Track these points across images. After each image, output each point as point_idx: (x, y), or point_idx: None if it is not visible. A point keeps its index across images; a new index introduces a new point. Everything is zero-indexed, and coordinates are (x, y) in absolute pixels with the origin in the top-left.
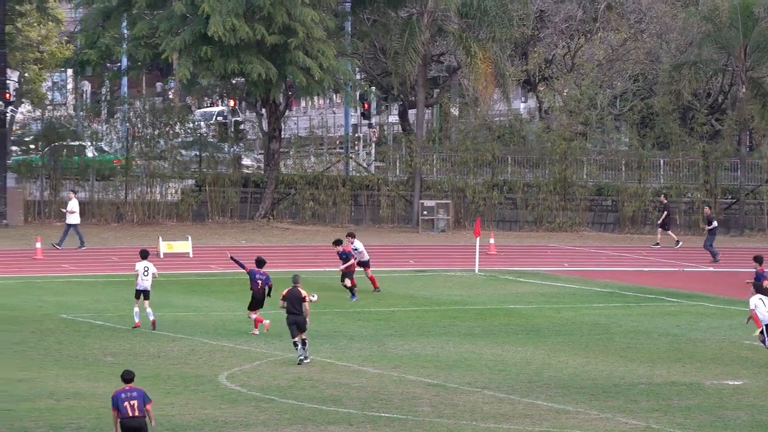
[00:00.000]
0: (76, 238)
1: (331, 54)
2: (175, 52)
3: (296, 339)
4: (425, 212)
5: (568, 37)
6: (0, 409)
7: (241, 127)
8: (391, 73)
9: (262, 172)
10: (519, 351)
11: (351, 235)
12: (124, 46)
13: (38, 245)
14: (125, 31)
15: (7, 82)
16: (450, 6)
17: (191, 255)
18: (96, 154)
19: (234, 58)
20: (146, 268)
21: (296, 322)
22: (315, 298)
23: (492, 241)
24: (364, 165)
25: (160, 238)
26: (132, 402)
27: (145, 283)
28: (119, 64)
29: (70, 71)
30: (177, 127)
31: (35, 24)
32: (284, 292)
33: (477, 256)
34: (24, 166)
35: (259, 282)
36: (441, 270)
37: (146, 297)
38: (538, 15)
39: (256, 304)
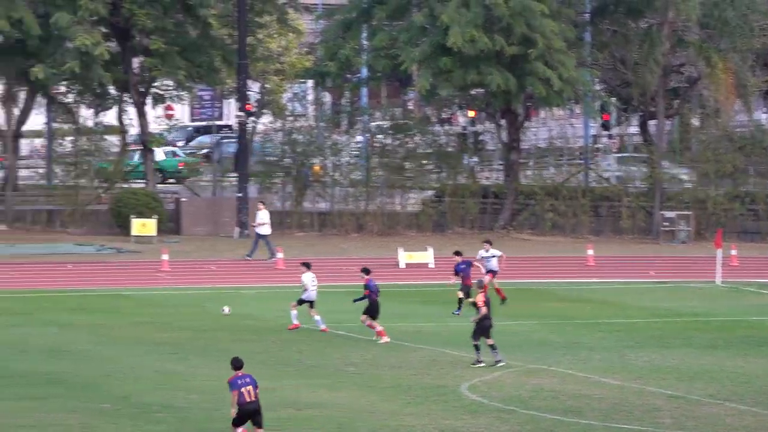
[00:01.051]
0: (266, 249)
1: (570, 64)
2: (414, 62)
3: (491, 342)
4: (666, 223)
5: None
6: None
7: (481, 137)
8: (630, 83)
9: (502, 183)
10: (762, 363)
11: (488, 242)
12: (364, 57)
13: (279, 255)
14: (365, 42)
15: (249, 93)
16: (690, 16)
17: (432, 265)
18: (165, 156)
19: (473, 69)
20: (314, 279)
21: (492, 326)
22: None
23: (734, 252)
24: (605, 176)
25: (401, 249)
26: (247, 387)
27: (313, 293)
28: (359, 75)
29: (310, 82)
30: (417, 138)
31: (276, 35)
32: (483, 299)
33: (719, 267)
34: (265, 177)
35: (373, 289)
36: (682, 281)
37: (312, 306)
38: None
39: (375, 311)
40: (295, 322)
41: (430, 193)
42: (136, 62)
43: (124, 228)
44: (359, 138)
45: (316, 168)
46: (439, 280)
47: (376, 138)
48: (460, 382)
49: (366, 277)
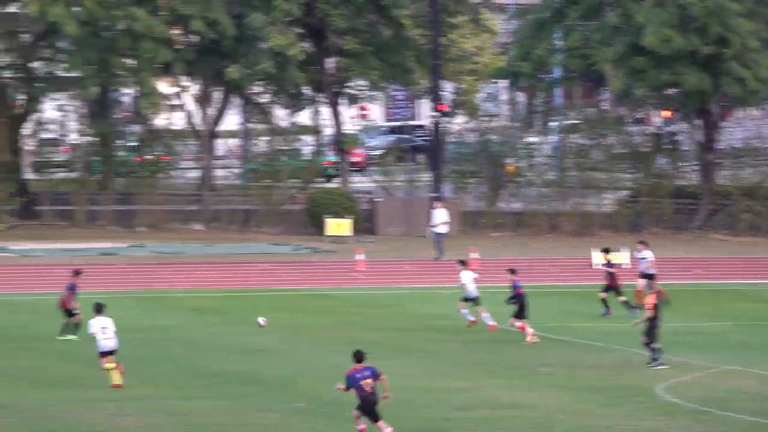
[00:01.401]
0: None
1: (766, 64)
2: (608, 62)
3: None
4: None
5: None
6: (438, 417)
7: (675, 138)
8: None
9: (697, 183)
10: None
11: (642, 243)
12: (557, 56)
13: (473, 255)
14: (558, 42)
15: (443, 93)
16: None
17: (626, 266)
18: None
19: (667, 69)
20: (474, 278)
21: (659, 327)
22: None
23: None
24: None
25: (595, 249)
26: (367, 380)
27: (476, 290)
28: (552, 74)
29: (503, 82)
30: (611, 138)
31: (470, 36)
32: (653, 300)
33: None
34: (459, 177)
35: (522, 289)
36: None
37: (477, 303)
38: None
39: (522, 311)
40: (491, 323)
41: (624, 193)
42: (330, 63)
43: (319, 228)
44: (553, 138)
45: (510, 168)
46: (632, 281)
47: (570, 138)
48: (655, 383)
49: (512, 277)
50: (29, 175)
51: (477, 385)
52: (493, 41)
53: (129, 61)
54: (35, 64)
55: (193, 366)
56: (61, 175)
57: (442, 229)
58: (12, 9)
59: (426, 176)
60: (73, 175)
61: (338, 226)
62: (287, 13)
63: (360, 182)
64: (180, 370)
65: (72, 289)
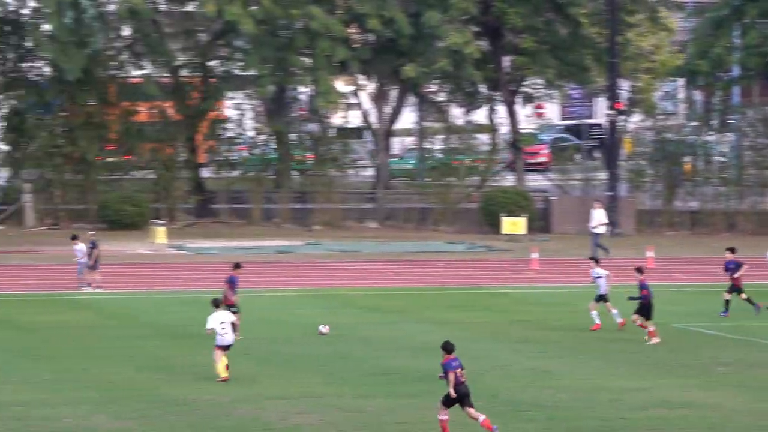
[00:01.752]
0: (593, 247)
1: None
2: None
3: None
4: None
5: None
6: (614, 417)
7: None
8: None
9: None
10: None
11: None
12: (736, 55)
13: (650, 254)
14: (736, 40)
15: (619, 91)
16: None
17: None
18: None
19: None
20: (607, 275)
21: None
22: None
23: None
24: None
25: None
26: (458, 370)
27: (606, 287)
28: (730, 73)
29: (680, 80)
30: None
31: (647, 34)
32: None
33: None
34: (635, 175)
35: (648, 289)
36: None
37: (606, 300)
38: None
39: (648, 311)
40: (597, 321)
41: None
42: (506, 61)
43: (494, 226)
44: (730, 136)
45: (687, 166)
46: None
47: (748, 136)
48: None
49: (640, 277)
50: (206, 173)
51: (652, 384)
52: (671, 39)
53: (306, 60)
54: (213, 63)
55: (369, 364)
56: (238, 173)
57: (600, 229)
58: (190, 8)
59: (602, 175)
60: (250, 173)
61: (513, 225)
62: (464, 12)
63: (535, 181)
64: (356, 368)
65: (232, 282)
